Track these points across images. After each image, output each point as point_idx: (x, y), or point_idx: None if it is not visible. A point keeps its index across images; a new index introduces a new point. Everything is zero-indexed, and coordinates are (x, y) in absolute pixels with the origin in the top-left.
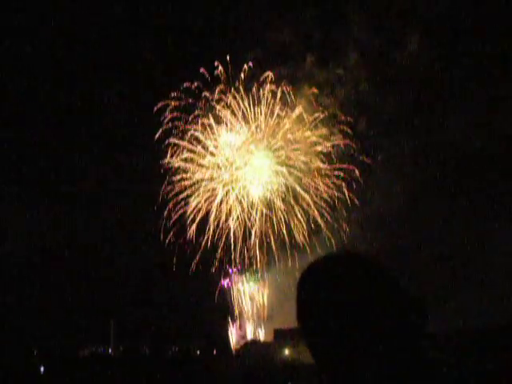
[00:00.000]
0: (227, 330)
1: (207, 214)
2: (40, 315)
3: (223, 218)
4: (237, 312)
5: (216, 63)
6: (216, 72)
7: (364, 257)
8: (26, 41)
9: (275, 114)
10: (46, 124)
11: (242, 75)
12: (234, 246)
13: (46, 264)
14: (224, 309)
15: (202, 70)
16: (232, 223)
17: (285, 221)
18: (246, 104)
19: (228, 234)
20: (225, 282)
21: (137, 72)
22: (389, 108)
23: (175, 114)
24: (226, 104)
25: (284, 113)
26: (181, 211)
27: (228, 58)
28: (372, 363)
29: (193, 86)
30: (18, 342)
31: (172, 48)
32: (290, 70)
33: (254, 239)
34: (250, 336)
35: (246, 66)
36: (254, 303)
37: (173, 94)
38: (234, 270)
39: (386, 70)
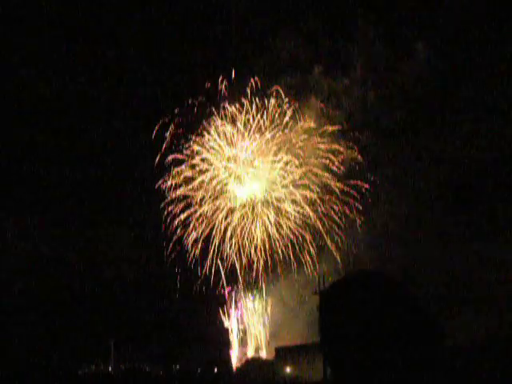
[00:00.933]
0: (229, 347)
1: (210, 233)
2: (40, 334)
3: (228, 236)
4: (239, 329)
5: (221, 77)
6: (220, 87)
7: (386, 276)
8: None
9: (281, 129)
10: (45, 149)
11: (248, 90)
12: (239, 265)
13: (46, 282)
14: (225, 327)
15: (207, 84)
16: (234, 241)
17: (290, 240)
18: (252, 119)
19: (231, 253)
20: (227, 295)
21: (140, 87)
22: (396, 120)
23: (179, 130)
24: (232, 118)
25: (289, 128)
26: (183, 231)
27: (233, 72)
28: (389, 381)
29: (196, 102)
30: (18, 360)
31: (174, 61)
32: (296, 81)
33: (257, 258)
34: (251, 353)
35: (252, 80)
36: (256, 321)
37: (176, 111)
38: (238, 293)
39: (393, 81)
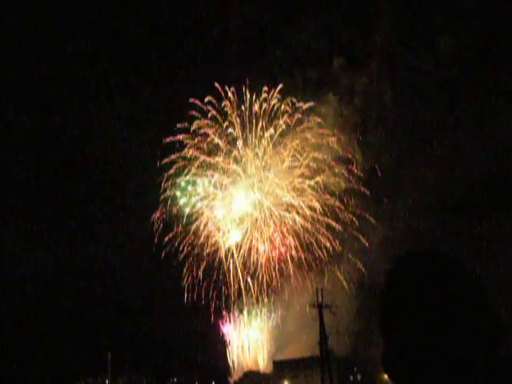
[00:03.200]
0: (227, 360)
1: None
2: (38, 347)
3: (233, 250)
4: (238, 342)
5: (232, 87)
6: (230, 96)
7: (455, 259)
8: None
9: (296, 137)
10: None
11: (262, 97)
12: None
13: (44, 294)
14: (224, 340)
15: (210, 98)
16: (239, 256)
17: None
18: (265, 128)
19: (236, 267)
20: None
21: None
22: (412, 122)
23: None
24: (242, 126)
25: (304, 134)
26: (186, 249)
27: (248, 80)
28: (440, 363)
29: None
30: (16, 374)
31: (183, 64)
32: (315, 74)
33: (262, 273)
34: (249, 367)
35: (266, 87)
36: (256, 334)
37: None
38: (238, 305)
39: (411, 79)
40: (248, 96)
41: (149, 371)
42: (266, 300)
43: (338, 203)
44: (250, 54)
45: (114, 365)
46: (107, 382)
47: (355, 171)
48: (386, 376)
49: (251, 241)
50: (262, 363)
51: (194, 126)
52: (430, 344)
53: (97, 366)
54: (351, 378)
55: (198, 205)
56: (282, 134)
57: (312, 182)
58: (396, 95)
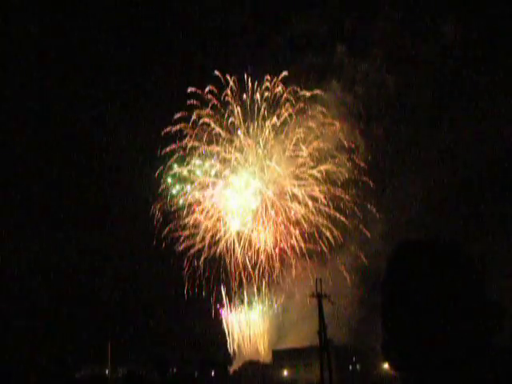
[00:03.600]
0: (227, 350)
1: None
2: (38, 336)
3: (235, 238)
4: (239, 334)
5: (232, 77)
6: (231, 85)
7: (455, 246)
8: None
9: (299, 126)
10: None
11: (264, 85)
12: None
13: (45, 285)
14: (223, 330)
15: (211, 87)
16: (239, 252)
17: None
18: (266, 115)
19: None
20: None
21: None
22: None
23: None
24: (243, 117)
25: (307, 124)
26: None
27: (250, 68)
28: (441, 351)
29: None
30: (17, 363)
31: (185, 51)
32: (319, 61)
33: (261, 263)
34: (249, 356)
35: (268, 76)
36: (256, 324)
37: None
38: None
39: (414, 67)
40: (250, 85)
41: (149, 361)
42: (266, 290)
43: (340, 193)
44: (251, 42)
45: (114, 355)
46: (107, 372)
47: (357, 161)
48: (385, 366)
49: (252, 230)
50: (263, 353)
51: (194, 116)
52: (430, 332)
53: (97, 356)
54: (350, 367)
55: (198, 194)
56: (284, 123)
57: (314, 172)
58: (399, 83)
